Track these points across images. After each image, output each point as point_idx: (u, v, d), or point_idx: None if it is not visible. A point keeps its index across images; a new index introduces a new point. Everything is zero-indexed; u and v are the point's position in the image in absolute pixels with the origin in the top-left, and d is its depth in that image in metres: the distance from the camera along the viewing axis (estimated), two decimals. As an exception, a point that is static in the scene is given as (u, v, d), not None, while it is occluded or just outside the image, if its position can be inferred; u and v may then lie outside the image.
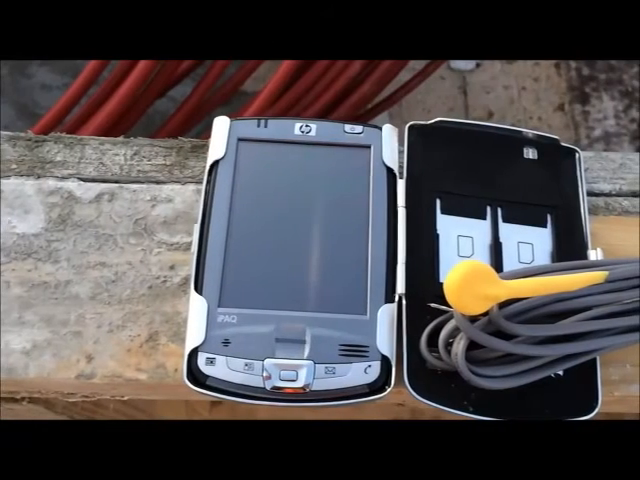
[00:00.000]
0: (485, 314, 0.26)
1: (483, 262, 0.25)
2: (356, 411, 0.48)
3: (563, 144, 0.32)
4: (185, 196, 0.31)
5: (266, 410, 0.45)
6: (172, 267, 0.30)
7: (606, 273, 0.26)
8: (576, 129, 0.98)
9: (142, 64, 0.58)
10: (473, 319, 0.26)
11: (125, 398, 0.30)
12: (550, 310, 0.27)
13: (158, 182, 0.32)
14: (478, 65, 1.02)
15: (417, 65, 0.81)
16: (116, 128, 0.66)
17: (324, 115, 0.69)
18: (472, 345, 0.26)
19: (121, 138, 0.33)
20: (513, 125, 0.98)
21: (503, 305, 0.26)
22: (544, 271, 0.27)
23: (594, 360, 0.28)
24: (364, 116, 0.79)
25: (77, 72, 0.63)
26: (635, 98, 1.01)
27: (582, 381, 0.27)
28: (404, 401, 0.30)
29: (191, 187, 0.31)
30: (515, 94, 1.01)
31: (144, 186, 0.31)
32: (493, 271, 0.25)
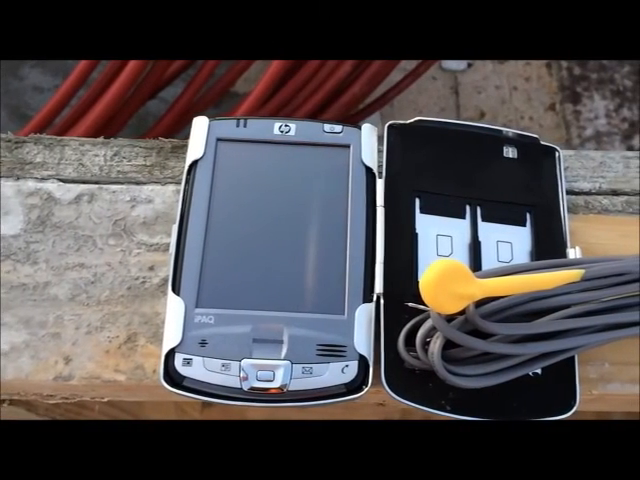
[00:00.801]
0: (462, 313, 0.26)
1: (460, 261, 0.25)
2: (347, 411, 0.48)
3: (543, 143, 0.32)
4: (165, 197, 0.31)
5: (258, 410, 0.45)
6: (151, 268, 0.30)
7: (582, 271, 0.26)
8: (567, 129, 0.99)
9: (131, 64, 0.58)
10: (450, 318, 0.26)
11: (105, 399, 0.30)
12: (527, 309, 0.27)
13: (138, 183, 0.32)
14: (470, 65, 1.02)
15: (408, 65, 0.82)
16: (106, 129, 0.66)
17: (315, 116, 0.69)
18: (449, 344, 0.26)
19: (101, 139, 0.33)
20: (504, 125, 0.98)
21: (480, 304, 0.26)
22: (520, 270, 0.27)
23: (572, 358, 0.28)
24: (356, 116, 0.79)
25: (69, 74, 0.63)
26: (626, 97, 1.01)
27: (560, 380, 0.27)
28: (384, 401, 0.30)
29: (171, 187, 0.31)
30: (506, 94, 1.01)
31: (124, 187, 0.31)
32: (468, 270, 0.25)
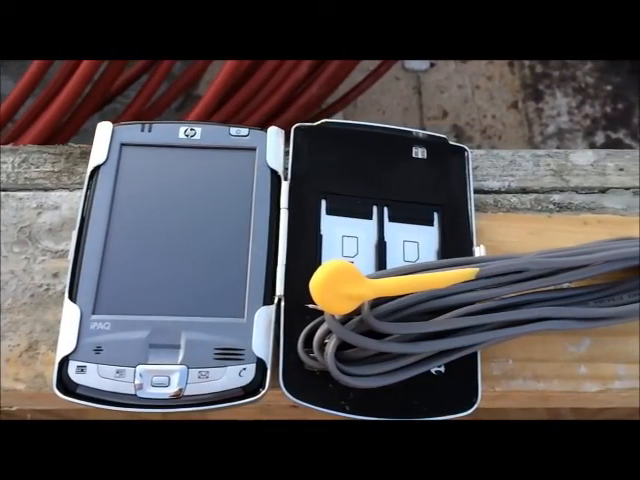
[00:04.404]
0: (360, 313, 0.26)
1: (348, 261, 0.25)
2: (306, 411, 0.48)
3: (452, 143, 0.32)
4: (72, 202, 0.31)
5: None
6: (55, 275, 0.29)
7: (477, 270, 0.26)
8: (530, 126, 0.99)
9: (84, 64, 0.57)
10: (348, 319, 0.26)
11: (14, 408, 0.30)
12: (425, 308, 0.27)
13: (46, 189, 0.31)
14: (432, 65, 1.03)
15: (371, 66, 0.82)
16: (60, 134, 0.65)
17: (273, 118, 0.69)
18: (347, 345, 0.26)
19: (10, 146, 0.32)
20: (467, 124, 0.99)
21: (376, 304, 0.26)
22: (418, 269, 0.27)
23: (474, 356, 0.28)
24: (317, 117, 0.79)
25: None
26: (588, 94, 1.02)
27: (462, 377, 0.28)
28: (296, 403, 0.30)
29: (79, 193, 0.31)
30: (469, 93, 1.02)
31: (30, 193, 0.31)
32: (357, 270, 0.25)
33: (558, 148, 0.91)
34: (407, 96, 1.02)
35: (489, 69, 1.04)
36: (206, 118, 0.64)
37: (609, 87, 1.02)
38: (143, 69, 0.75)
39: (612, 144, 0.97)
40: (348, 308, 0.25)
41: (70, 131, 0.68)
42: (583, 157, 0.33)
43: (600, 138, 0.98)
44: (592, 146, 0.96)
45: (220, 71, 0.61)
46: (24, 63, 0.61)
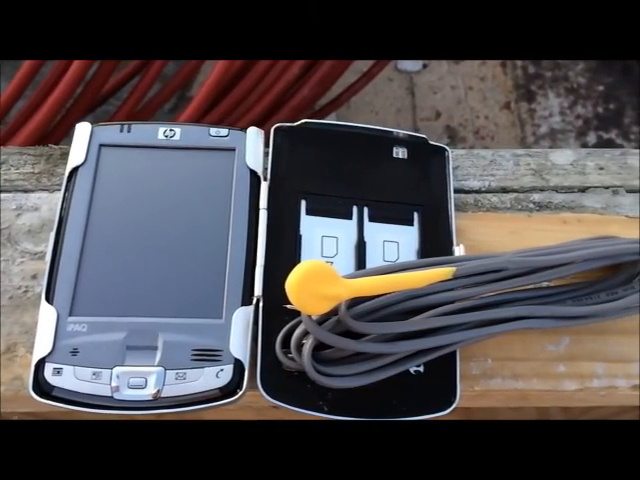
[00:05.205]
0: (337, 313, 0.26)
1: (323, 262, 0.25)
2: (286, 411, 0.48)
3: (432, 143, 0.32)
4: (52, 204, 0.31)
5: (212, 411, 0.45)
6: (34, 277, 0.29)
7: (453, 269, 0.26)
8: (522, 127, 1.00)
9: (76, 64, 0.57)
10: (325, 319, 0.26)
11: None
12: (404, 307, 0.27)
13: (26, 191, 0.31)
14: (425, 66, 1.03)
15: (364, 67, 0.82)
16: (49, 137, 0.65)
17: (265, 119, 0.69)
18: (325, 345, 0.26)
19: (-11, 148, 0.32)
20: (460, 125, 0.99)
21: (354, 304, 0.26)
22: (395, 269, 0.27)
23: (453, 355, 0.28)
24: (310, 118, 0.78)
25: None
26: (580, 95, 1.02)
27: (441, 377, 0.28)
28: (277, 404, 0.30)
29: (59, 195, 0.31)
30: (462, 94, 1.02)
31: (10, 195, 0.31)
32: (333, 270, 0.25)
33: (550, 148, 0.91)
34: (400, 97, 1.02)
35: (482, 70, 1.04)
36: (198, 119, 0.64)
37: (601, 87, 1.02)
38: (135, 70, 0.75)
39: (604, 144, 0.98)
40: (324, 308, 0.25)
41: (61, 133, 0.68)
42: (563, 156, 0.33)
43: (592, 138, 0.98)
44: (584, 146, 0.96)
45: (212, 72, 0.61)
46: (19, 65, 0.61)
